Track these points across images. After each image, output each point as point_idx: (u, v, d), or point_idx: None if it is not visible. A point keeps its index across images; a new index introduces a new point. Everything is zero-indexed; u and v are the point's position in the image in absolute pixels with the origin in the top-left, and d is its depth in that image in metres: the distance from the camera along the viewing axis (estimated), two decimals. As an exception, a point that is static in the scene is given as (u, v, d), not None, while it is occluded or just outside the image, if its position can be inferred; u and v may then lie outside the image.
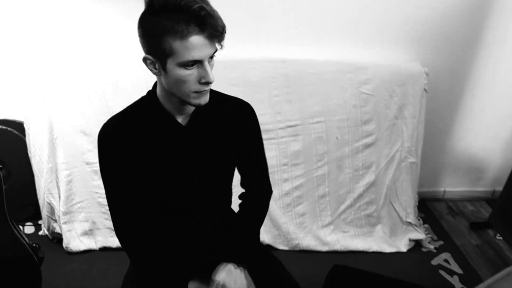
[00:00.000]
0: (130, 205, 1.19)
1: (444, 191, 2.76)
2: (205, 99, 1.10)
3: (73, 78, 2.08)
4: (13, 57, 2.15)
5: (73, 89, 2.07)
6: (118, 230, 1.21)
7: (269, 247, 2.23)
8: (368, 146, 2.24)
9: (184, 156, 1.19)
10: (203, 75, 1.05)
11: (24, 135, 2.17)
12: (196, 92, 1.07)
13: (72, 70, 2.09)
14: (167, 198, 1.23)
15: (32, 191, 2.25)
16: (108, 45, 2.15)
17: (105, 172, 1.16)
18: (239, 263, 1.23)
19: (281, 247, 2.25)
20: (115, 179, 1.17)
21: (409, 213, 2.33)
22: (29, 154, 2.16)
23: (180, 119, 1.17)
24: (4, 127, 2.21)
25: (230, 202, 1.39)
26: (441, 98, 2.44)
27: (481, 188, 2.77)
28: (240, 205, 1.37)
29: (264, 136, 2.14)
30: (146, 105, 1.17)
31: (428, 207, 2.68)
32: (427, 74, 2.23)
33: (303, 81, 2.16)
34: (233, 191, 1.38)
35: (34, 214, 2.34)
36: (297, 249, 2.24)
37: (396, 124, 2.25)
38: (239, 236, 1.28)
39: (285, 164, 2.20)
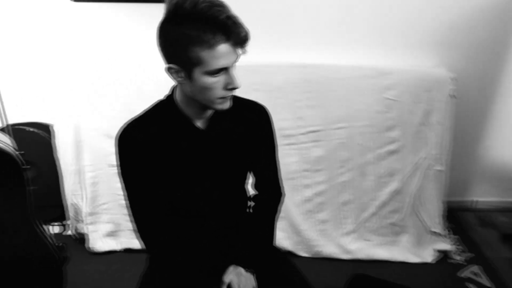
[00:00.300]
0: (149, 204, 1.20)
1: (475, 201, 2.66)
2: (228, 104, 1.13)
3: (97, 83, 2.14)
4: (41, 62, 2.23)
5: (97, 93, 2.13)
6: (140, 230, 1.23)
7: (289, 253, 2.21)
8: (392, 153, 2.19)
9: (200, 160, 1.20)
10: (229, 81, 1.07)
11: (52, 137, 2.25)
12: (221, 98, 1.09)
13: (97, 75, 2.15)
14: (179, 201, 1.24)
15: (60, 192, 2.31)
16: (131, 51, 2.21)
17: (124, 174, 1.18)
18: (247, 267, 1.23)
19: (302, 254, 2.22)
20: (134, 180, 1.18)
21: (436, 222, 2.26)
22: (56, 156, 2.23)
23: (198, 123, 1.18)
24: (33, 130, 2.29)
25: (245, 206, 1.38)
26: (470, 104, 2.36)
27: (512, 198, 2.66)
28: (252, 207, 1.37)
29: (285, 142, 2.17)
30: (165, 109, 1.19)
31: (457, 218, 2.58)
32: (454, 80, 2.16)
33: (325, 86, 2.14)
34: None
35: (61, 215, 2.39)
36: (318, 256, 2.21)
37: (422, 131, 2.19)
38: (248, 239, 1.28)
39: (306, 170, 2.18)
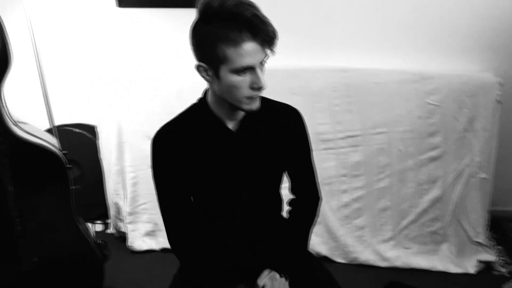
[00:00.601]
0: (180, 207, 1.23)
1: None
2: (256, 104, 1.12)
3: (139, 86, 2.21)
4: (87, 67, 2.33)
5: (139, 96, 2.19)
6: (169, 231, 1.25)
7: (325, 259, 2.19)
8: (433, 159, 2.14)
9: (231, 160, 1.21)
10: (255, 80, 1.06)
11: (96, 138, 2.33)
12: (248, 97, 1.09)
13: (138, 79, 2.22)
14: (209, 201, 1.26)
15: (103, 191, 2.40)
16: (171, 54, 2.26)
17: (157, 175, 1.21)
18: (282, 272, 1.23)
19: (339, 259, 2.20)
20: (166, 181, 1.21)
21: (479, 232, 2.18)
22: (100, 156, 2.31)
23: (230, 125, 1.19)
24: (79, 131, 2.39)
25: (279, 209, 1.39)
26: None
27: None
28: (288, 211, 1.37)
29: (323, 146, 2.16)
30: (198, 111, 1.21)
31: (503, 228, 2.47)
32: (501, 85, 2.09)
33: (365, 91, 2.11)
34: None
35: (104, 213, 2.48)
36: (355, 262, 2.18)
37: (466, 137, 2.13)
38: (284, 244, 1.28)
39: (344, 175, 2.16)
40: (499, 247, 2.31)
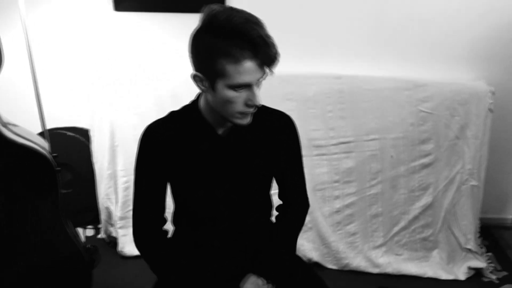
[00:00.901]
0: (152, 204, 1.22)
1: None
2: (248, 120, 1.12)
3: (133, 90, 2.19)
4: (80, 71, 2.31)
5: (133, 100, 2.18)
6: (136, 231, 1.25)
7: (317, 265, 2.19)
8: (425, 166, 2.15)
9: (219, 163, 1.21)
10: (250, 97, 1.06)
11: (89, 142, 2.32)
12: (241, 113, 1.09)
13: (132, 83, 2.21)
14: (199, 203, 1.25)
15: (95, 195, 2.38)
16: (166, 59, 2.25)
17: (138, 169, 1.21)
18: (268, 277, 1.24)
19: (330, 266, 2.20)
20: (146, 177, 1.21)
21: (469, 239, 2.19)
22: (93, 160, 2.30)
23: (220, 131, 1.19)
24: (72, 134, 2.37)
25: (269, 213, 1.38)
26: (508, 118, 2.29)
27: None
28: (276, 217, 1.37)
29: (315, 152, 2.17)
30: (189, 112, 1.21)
31: (494, 235, 2.50)
32: (492, 93, 2.11)
33: (359, 98, 2.12)
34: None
35: (96, 218, 2.45)
36: (346, 269, 2.19)
37: (457, 145, 2.15)
38: (271, 249, 1.28)
39: (336, 181, 2.17)
40: (489, 253, 2.33)
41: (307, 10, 2.15)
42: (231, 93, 1.04)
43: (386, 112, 2.13)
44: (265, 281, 1.24)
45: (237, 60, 0.99)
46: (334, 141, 2.14)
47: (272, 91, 1.98)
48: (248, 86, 1.04)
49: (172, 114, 1.23)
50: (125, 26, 2.25)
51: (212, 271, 1.25)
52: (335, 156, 2.15)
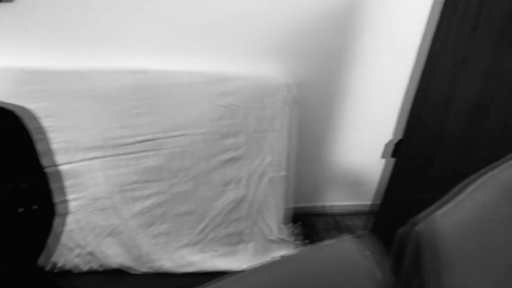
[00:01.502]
0: None
1: (327, 206, 2.72)
2: None
3: None
4: None
5: None
6: None
7: (119, 271, 2.04)
8: (231, 160, 2.13)
9: None
10: None
11: None
12: None
13: None
14: None
15: None
16: None
17: None
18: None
19: (143, 269, 2.06)
20: None
21: (281, 229, 2.24)
22: None
23: None
24: None
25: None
26: (314, 110, 2.40)
27: (361, 201, 2.76)
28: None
29: (111, 152, 1.99)
30: None
31: (308, 223, 2.62)
32: (296, 85, 2.17)
33: (155, 93, 2.00)
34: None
35: None
36: (160, 271, 2.06)
37: (264, 137, 2.16)
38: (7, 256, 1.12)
39: (136, 182, 2.02)
40: (305, 241, 2.42)
41: (110, 2, 1.97)
42: None
43: (186, 107, 2.04)
44: None
45: None
46: (131, 140, 1.98)
47: (59, 89, 1.80)
48: None
49: None
50: None
51: None
52: (134, 155, 2.00)
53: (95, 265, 1.99)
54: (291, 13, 2.14)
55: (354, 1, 2.18)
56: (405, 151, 2.38)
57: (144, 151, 2.01)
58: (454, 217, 1.13)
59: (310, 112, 2.40)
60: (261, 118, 2.14)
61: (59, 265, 1.91)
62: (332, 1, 2.14)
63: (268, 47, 2.21)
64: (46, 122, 1.83)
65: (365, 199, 2.74)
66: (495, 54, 2.08)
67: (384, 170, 2.62)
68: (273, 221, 2.23)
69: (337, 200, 2.71)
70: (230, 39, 2.12)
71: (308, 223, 2.60)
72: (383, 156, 2.58)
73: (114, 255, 2.03)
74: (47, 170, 1.80)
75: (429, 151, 2.30)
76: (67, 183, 1.90)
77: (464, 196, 1.18)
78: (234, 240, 2.19)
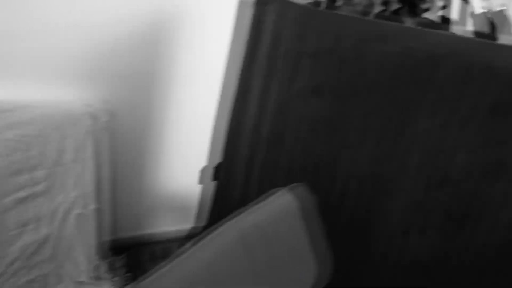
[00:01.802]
0: None
1: (151, 234, 2.63)
2: None
3: None
4: None
5: None
6: None
7: None
8: (26, 198, 1.91)
9: None
10: None
11: None
12: None
13: None
14: None
15: None
16: None
17: None
18: None
19: None
20: None
21: (96, 266, 2.09)
22: None
23: None
24: None
25: None
26: (132, 138, 2.30)
27: (189, 225, 2.73)
28: None
29: None
30: None
31: (134, 253, 2.49)
32: (99, 113, 2.04)
33: None
34: None
35: None
36: None
37: (64, 171, 1.99)
38: None
39: None
40: (129, 274, 2.28)
41: None
42: None
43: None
44: None
45: None
46: None
47: None
48: None
49: None
50: None
51: None
52: None
53: None
54: (100, 33, 2.03)
55: (170, 26, 2.16)
56: (224, 173, 2.43)
57: None
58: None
59: (128, 140, 2.30)
60: (62, 150, 1.97)
61: None
62: (145, 22, 2.08)
63: (77, 72, 2.06)
64: None
65: (192, 222, 2.71)
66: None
67: (203, 193, 2.63)
68: (83, 260, 2.06)
69: (164, 226, 2.64)
70: (21, 62, 1.91)
71: (134, 254, 2.48)
72: (200, 182, 2.59)
73: None
74: None
75: (244, 172, 2.37)
76: None
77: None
78: (38, 286, 1.97)
